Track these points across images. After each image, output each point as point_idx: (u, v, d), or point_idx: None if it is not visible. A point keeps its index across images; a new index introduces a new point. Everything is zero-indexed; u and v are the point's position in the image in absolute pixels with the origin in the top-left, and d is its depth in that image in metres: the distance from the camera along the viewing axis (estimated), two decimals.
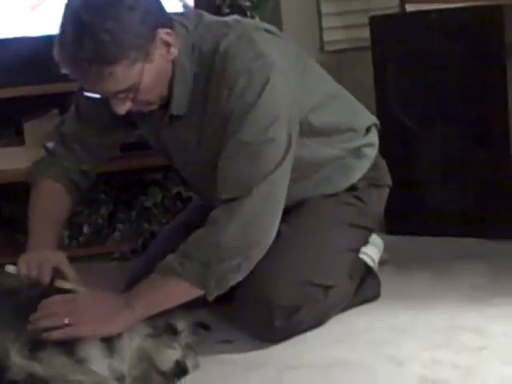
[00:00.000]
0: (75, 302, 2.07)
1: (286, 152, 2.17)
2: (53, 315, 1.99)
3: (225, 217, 2.12)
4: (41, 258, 2.19)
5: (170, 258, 2.12)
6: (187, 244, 2.13)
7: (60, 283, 2.15)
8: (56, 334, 1.96)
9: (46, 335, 1.95)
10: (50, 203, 2.42)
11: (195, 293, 2.11)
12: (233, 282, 2.14)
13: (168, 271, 2.10)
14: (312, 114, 2.34)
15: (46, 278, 2.13)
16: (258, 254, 2.17)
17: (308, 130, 2.33)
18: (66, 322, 1.98)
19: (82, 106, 2.46)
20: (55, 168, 2.47)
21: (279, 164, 2.15)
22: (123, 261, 3.08)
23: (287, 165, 2.19)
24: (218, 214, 2.14)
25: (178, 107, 2.24)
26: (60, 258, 2.23)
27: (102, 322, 2.03)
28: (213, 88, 2.20)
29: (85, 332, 2.00)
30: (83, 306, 2.07)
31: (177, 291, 2.13)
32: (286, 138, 2.17)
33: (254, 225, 2.13)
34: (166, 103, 2.24)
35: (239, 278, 2.15)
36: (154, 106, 2.22)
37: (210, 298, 2.13)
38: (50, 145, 2.53)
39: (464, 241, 3.00)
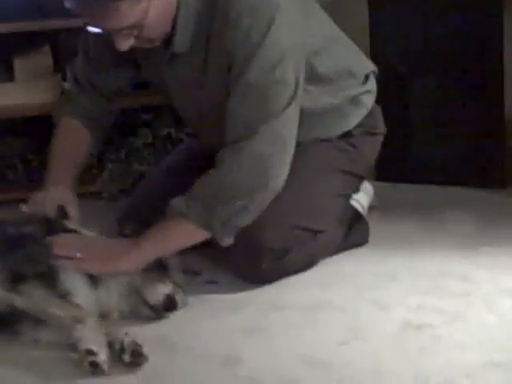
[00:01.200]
0: (88, 241, 2.17)
1: (295, 93, 2.16)
2: (68, 247, 2.07)
3: (230, 157, 2.13)
4: (48, 195, 2.26)
5: (176, 199, 2.14)
6: (194, 185, 2.15)
7: (63, 222, 2.21)
8: (67, 264, 2.04)
9: (57, 262, 2.02)
10: (68, 142, 2.46)
11: (201, 235, 2.14)
12: (240, 225, 2.16)
13: (174, 213, 2.13)
14: (315, 59, 2.33)
15: (50, 215, 2.21)
16: (265, 198, 2.17)
17: (311, 76, 2.31)
18: (78, 255, 2.06)
19: (88, 45, 2.46)
20: (72, 106, 2.50)
21: (287, 105, 2.15)
22: (111, 201, 3.09)
23: (295, 107, 2.18)
24: (224, 155, 2.14)
25: (180, 45, 2.22)
26: (67, 197, 2.29)
27: (110, 259, 2.10)
28: (216, 27, 2.17)
29: (93, 267, 2.08)
30: (95, 244, 2.16)
31: (183, 233, 2.16)
32: (293, 78, 2.16)
33: (260, 166, 2.13)
34: (168, 41, 2.22)
35: (247, 221, 2.16)
36: (157, 43, 2.20)
37: (222, 243, 2.16)
38: (66, 85, 2.56)
39: (453, 189, 3.02)
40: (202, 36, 2.21)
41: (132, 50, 2.18)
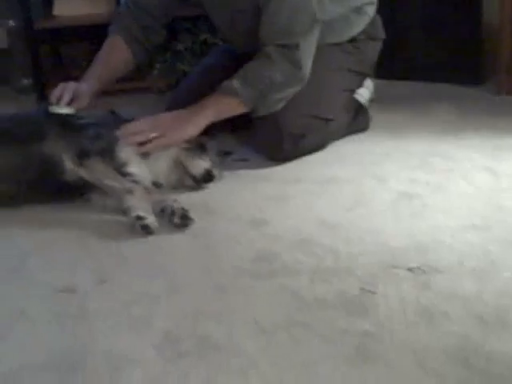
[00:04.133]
0: (156, 119, 2.11)
1: (316, 18, 2.19)
2: (141, 132, 2.04)
3: (279, 58, 2.16)
4: (69, 85, 2.21)
5: (234, 82, 2.14)
6: (246, 72, 2.15)
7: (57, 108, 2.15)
8: (149, 146, 2.03)
9: (140, 149, 2.01)
10: (106, 52, 2.41)
11: (245, 109, 2.17)
12: (276, 109, 2.20)
13: (231, 92, 2.13)
14: None
15: (64, 99, 2.16)
16: (294, 92, 2.21)
17: None
18: (154, 135, 2.03)
19: None
20: (119, 26, 2.43)
21: (315, 20, 2.18)
22: (160, 94, 3.06)
23: (318, 25, 2.21)
24: (272, 54, 2.16)
25: None
26: (82, 89, 2.23)
27: (184, 126, 2.09)
28: None
29: (172, 138, 2.07)
30: (164, 119, 2.12)
31: (234, 107, 2.17)
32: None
33: (299, 67, 2.17)
34: None
35: (278, 108, 2.20)
36: None
37: (255, 116, 2.21)
38: (119, 9, 2.50)
39: (438, 85, 2.96)
40: None
41: None
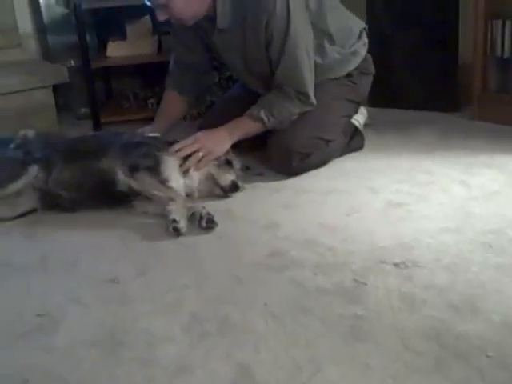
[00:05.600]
0: (198, 141, 2.14)
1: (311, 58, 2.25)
2: (192, 154, 2.10)
3: (297, 101, 2.22)
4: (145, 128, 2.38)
5: (261, 112, 2.21)
6: (272, 106, 2.22)
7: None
8: (200, 165, 2.10)
9: (194, 168, 2.08)
10: (166, 105, 2.49)
11: (262, 130, 2.25)
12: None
13: (258, 119, 2.21)
14: (327, 25, 2.30)
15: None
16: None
17: (325, 35, 2.30)
18: (201, 154, 2.10)
19: (176, 31, 2.42)
20: (172, 82, 2.48)
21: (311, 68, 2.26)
22: (192, 119, 3.07)
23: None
24: (292, 96, 2.22)
25: (221, 22, 2.18)
26: (153, 129, 2.36)
27: (218, 145, 2.15)
28: (250, 10, 2.13)
29: (212, 156, 2.12)
30: (204, 140, 2.16)
31: (256, 130, 2.24)
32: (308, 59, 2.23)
33: (311, 104, 2.25)
34: (213, 19, 2.17)
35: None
36: (189, 23, 2.18)
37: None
38: (170, 66, 2.51)
39: (421, 112, 2.93)
40: (240, 12, 2.15)
41: (195, 27, 2.20)
